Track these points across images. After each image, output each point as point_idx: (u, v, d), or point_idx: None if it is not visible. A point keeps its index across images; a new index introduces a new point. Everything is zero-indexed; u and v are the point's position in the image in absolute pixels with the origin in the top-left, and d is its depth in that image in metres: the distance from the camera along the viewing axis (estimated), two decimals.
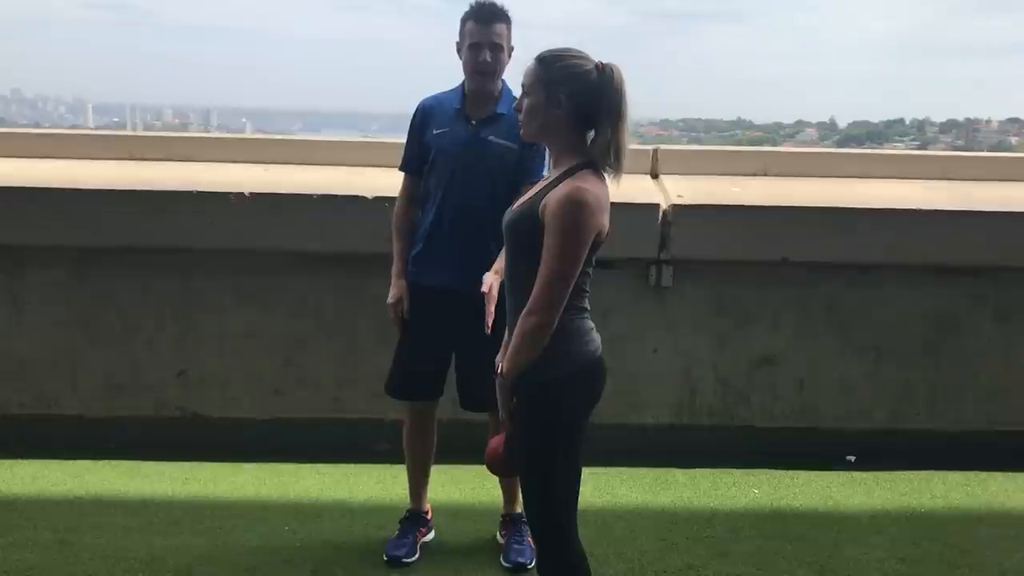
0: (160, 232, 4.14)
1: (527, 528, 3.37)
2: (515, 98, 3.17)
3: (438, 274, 3.26)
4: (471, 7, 3.19)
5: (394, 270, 3.37)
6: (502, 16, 3.18)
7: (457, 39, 3.23)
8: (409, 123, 3.39)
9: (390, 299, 3.36)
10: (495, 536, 3.54)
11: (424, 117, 3.33)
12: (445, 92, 3.33)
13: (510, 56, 3.23)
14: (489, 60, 3.15)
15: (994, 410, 4.40)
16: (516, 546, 3.40)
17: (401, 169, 3.42)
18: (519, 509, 3.46)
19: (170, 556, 3.39)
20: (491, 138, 3.20)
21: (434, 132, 3.27)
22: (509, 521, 3.49)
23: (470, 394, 3.38)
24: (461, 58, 3.22)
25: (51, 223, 4.13)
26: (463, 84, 3.28)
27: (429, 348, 3.33)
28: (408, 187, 3.40)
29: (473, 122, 3.22)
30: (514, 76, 3.09)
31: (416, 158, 3.35)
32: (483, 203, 3.17)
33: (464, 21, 3.19)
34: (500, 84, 3.26)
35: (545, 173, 3.14)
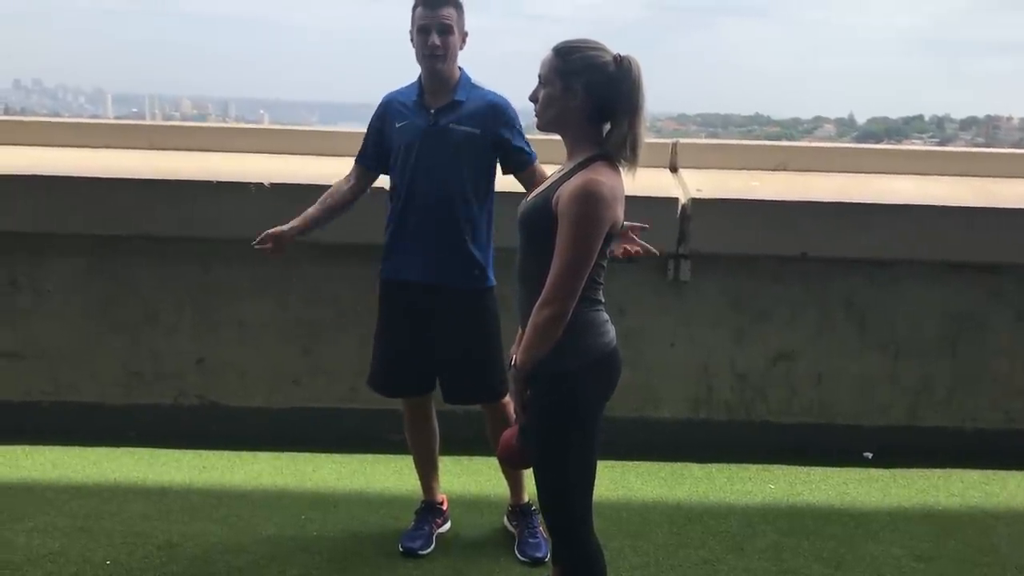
0: (179, 221, 4.16)
1: (538, 518, 3.39)
2: (474, 85, 3.20)
3: (410, 269, 3.24)
4: None
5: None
6: (450, 0, 3.14)
7: (409, 27, 3.19)
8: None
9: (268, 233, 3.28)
10: (509, 526, 3.55)
11: (385, 112, 3.30)
12: (405, 86, 3.30)
13: (464, 41, 3.20)
14: (438, 43, 3.10)
15: (1013, 408, 4.37)
16: (531, 540, 3.40)
17: (356, 161, 3.40)
18: (527, 499, 3.48)
19: (188, 543, 3.41)
20: (451, 125, 3.16)
21: (396, 126, 3.24)
22: (519, 512, 3.49)
23: (451, 388, 3.38)
24: (414, 46, 3.18)
25: (71, 212, 4.16)
26: (420, 76, 3.25)
27: (407, 345, 3.31)
28: (356, 171, 3.39)
29: (432, 111, 3.19)
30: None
31: (369, 154, 3.35)
32: (452, 192, 3.15)
33: (414, 8, 3.15)
34: (458, 71, 3.22)
35: (534, 152, 3.22)
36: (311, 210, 3.35)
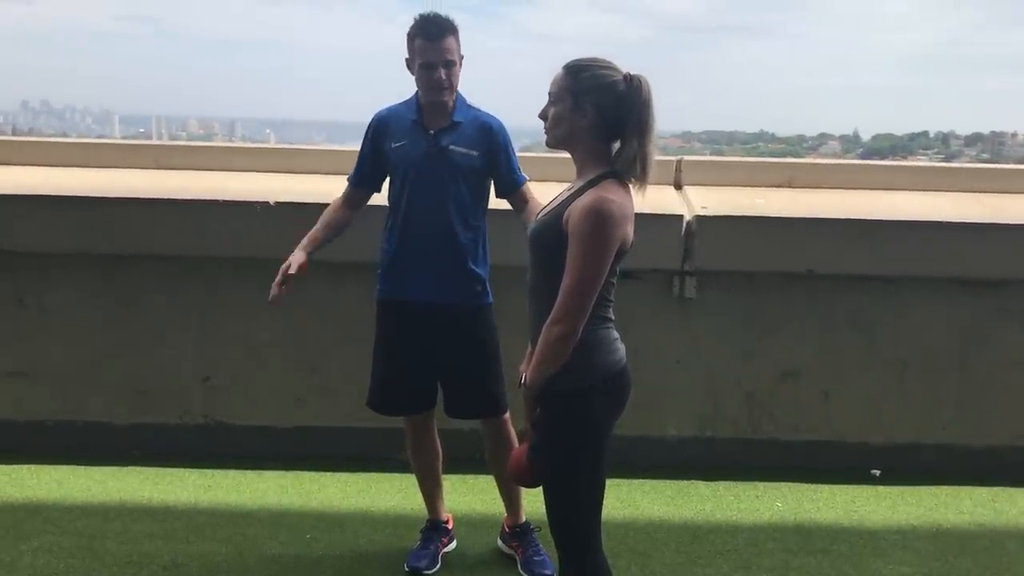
0: (186, 240, 4.17)
1: (537, 536, 3.38)
2: (469, 106, 3.23)
3: (408, 288, 3.25)
4: (417, 23, 3.13)
5: (301, 243, 3.33)
6: (450, 28, 3.13)
7: (407, 55, 3.18)
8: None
9: (284, 265, 3.26)
10: (505, 547, 3.53)
11: (378, 130, 3.31)
12: (399, 104, 3.31)
13: (461, 63, 3.21)
14: (444, 78, 3.13)
15: (1022, 426, 4.34)
16: (536, 558, 3.39)
17: (348, 180, 3.42)
18: (524, 518, 3.47)
19: (193, 563, 3.41)
20: (451, 146, 3.19)
21: (392, 146, 3.24)
22: (519, 532, 3.48)
23: (454, 402, 3.39)
24: (413, 74, 3.19)
25: (77, 231, 4.17)
26: (417, 96, 3.25)
27: (407, 364, 3.31)
28: (347, 193, 3.41)
29: (431, 132, 3.21)
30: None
31: (364, 173, 3.36)
32: (452, 212, 3.17)
33: (412, 38, 3.14)
34: (455, 94, 3.25)
35: (525, 175, 3.30)
36: (317, 232, 3.37)
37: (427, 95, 3.19)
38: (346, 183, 3.44)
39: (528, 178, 3.34)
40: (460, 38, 3.18)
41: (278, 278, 3.26)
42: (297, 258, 3.29)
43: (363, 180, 3.39)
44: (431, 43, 3.11)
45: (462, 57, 3.20)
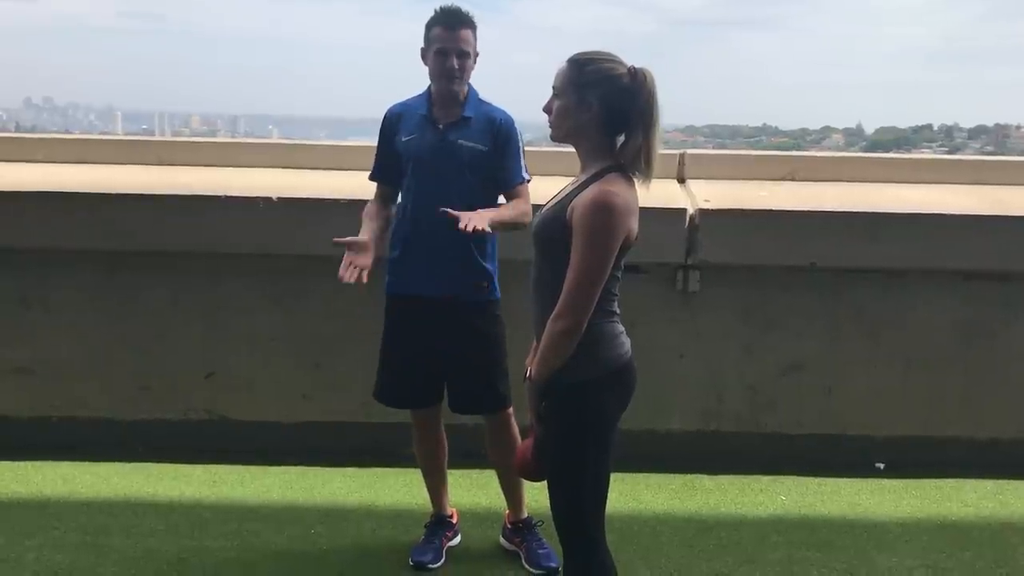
0: (189, 236, 4.17)
1: (540, 530, 3.38)
2: (481, 101, 3.23)
3: (416, 283, 3.25)
4: (437, 13, 3.16)
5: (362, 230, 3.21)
6: (468, 22, 3.15)
7: (423, 44, 3.19)
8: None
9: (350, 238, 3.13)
10: (508, 544, 3.53)
11: (391, 125, 3.32)
12: (412, 98, 3.32)
13: (475, 61, 3.22)
14: (457, 66, 3.14)
15: None
16: (540, 551, 3.39)
17: (370, 179, 3.41)
18: (526, 514, 3.48)
19: (197, 558, 3.41)
20: (460, 141, 3.19)
21: (403, 139, 3.25)
22: (521, 527, 3.48)
23: (458, 397, 3.38)
24: (426, 63, 3.20)
25: (81, 227, 4.17)
26: (429, 89, 3.26)
27: (416, 358, 3.31)
28: (379, 192, 3.39)
29: (440, 126, 3.21)
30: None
31: (383, 166, 3.35)
32: (460, 207, 3.13)
33: (430, 26, 3.17)
34: (467, 88, 3.25)
35: (525, 176, 3.25)
36: (370, 228, 3.23)
37: (438, 83, 3.20)
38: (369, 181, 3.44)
39: (529, 178, 3.29)
40: (477, 34, 3.19)
41: (347, 260, 3.09)
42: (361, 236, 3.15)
43: (382, 174, 3.38)
44: (448, 32, 3.13)
45: (477, 53, 3.22)
